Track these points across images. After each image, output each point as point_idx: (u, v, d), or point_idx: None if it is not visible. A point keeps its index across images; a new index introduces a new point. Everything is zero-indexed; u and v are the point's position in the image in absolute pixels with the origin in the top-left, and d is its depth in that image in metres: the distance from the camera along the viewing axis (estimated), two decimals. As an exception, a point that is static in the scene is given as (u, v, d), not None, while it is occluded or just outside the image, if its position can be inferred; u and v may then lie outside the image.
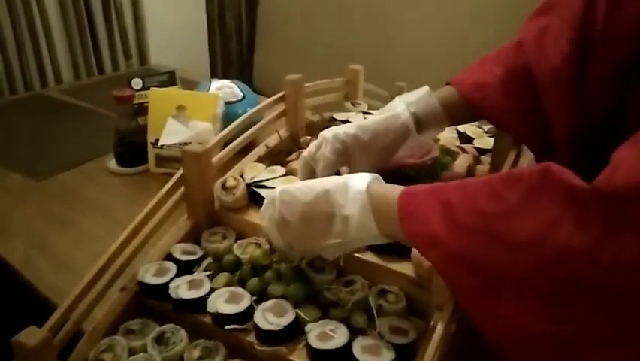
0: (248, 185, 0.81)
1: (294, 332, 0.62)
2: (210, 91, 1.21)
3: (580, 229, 0.42)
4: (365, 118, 1.02)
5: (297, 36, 2.01)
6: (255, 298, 0.66)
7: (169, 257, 0.73)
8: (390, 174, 0.65)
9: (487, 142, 0.98)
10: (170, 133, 1.06)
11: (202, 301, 0.65)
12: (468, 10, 1.60)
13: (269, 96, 1.02)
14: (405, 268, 0.67)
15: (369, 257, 0.69)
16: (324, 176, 0.73)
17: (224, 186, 0.79)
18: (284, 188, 0.63)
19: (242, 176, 0.84)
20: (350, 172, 0.76)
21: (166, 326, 0.65)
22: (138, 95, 1.16)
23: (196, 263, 0.73)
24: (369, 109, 1.15)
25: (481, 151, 0.97)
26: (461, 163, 0.89)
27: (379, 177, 0.61)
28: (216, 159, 0.82)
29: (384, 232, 0.57)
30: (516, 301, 0.46)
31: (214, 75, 2.32)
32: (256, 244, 0.74)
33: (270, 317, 0.62)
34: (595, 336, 0.43)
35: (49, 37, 1.79)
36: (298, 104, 1.03)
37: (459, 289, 0.51)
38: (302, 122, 1.05)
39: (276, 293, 0.66)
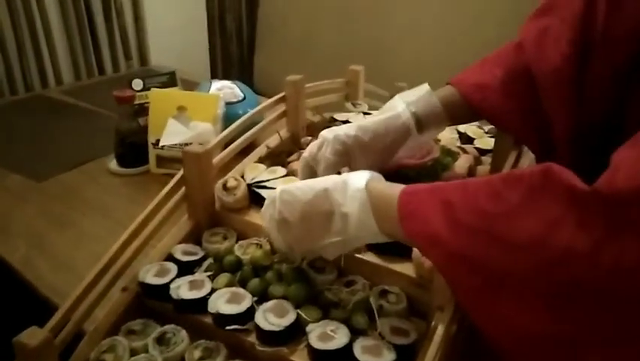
0: (249, 185, 0.81)
1: (294, 333, 0.62)
2: (211, 92, 1.21)
3: (581, 231, 0.42)
4: (365, 118, 1.02)
5: (297, 37, 2.01)
6: (255, 298, 0.66)
7: (170, 258, 0.73)
8: (391, 175, 0.65)
9: (488, 142, 0.98)
10: (171, 134, 1.06)
11: (203, 301, 0.65)
12: (468, 11, 1.61)
13: (269, 97, 1.02)
14: (406, 268, 0.67)
15: (370, 258, 0.69)
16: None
17: (225, 187, 0.80)
18: (284, 188, 0.64)
19: (243, 176, 0.84)
20: (351, 172, 0.76)
21: (167, 327, 0.65)
22: (139, 96, 1.17)
23: (197, 264, 0.73)
24: (369, 109, 1.15)
25: (482, 152, 0.97)
26: (462, 164, 0.89)
27: (379, 175, 0.61)
28: (217, 159, 0.82)
29: (384, 231, 0.57)
30: (516, 301, 0.46)
31: (214, 76, 2.32)
32: (257, 244, 0.75)
33: (271, 317, 0.62)
34: (595, 336, 0.43)
35: (49, 37, 1.79)
36: (299, 104, 1.03)
37: (459, 288, 0.52)
38: (302, 123, 1.05)
39: (277, 294, 0.66)
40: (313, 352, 0.59)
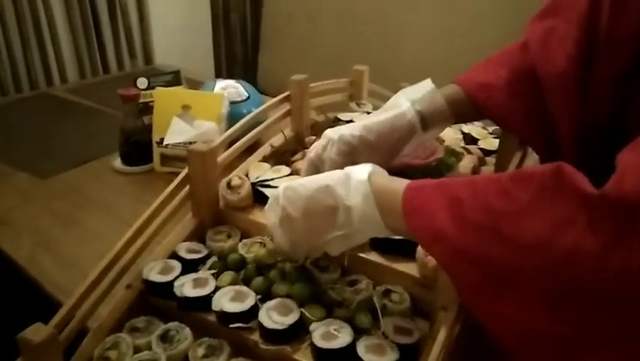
0: (253, 184, 0.81)
1: (298, 331, 0.62)
2: (215, 91, 1.21)
3: (589, 234, 0.42)
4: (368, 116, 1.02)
5: (301, 37, 2.02)
6: (259, 297, 0.66)
7: (174, 255, 0.73)
8: (395, 175, 0.65)
9: (492, 143, 0.98)
10: (175, 132, 1.06)
11: (207, 299, 0.65)
12: (472, 11, 1.61)
13: (273, 96, 1.03)
14: (409, 268, 0.67)
15: (374, 257, 0.69)
16: None
17: (229, 186, 0.80)
18: (288, 185, 0.64)
19: (247, 175, 0.84)
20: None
21: (171, 324, 0.65)
22: (143, 95, 1.17)
23: (201, 262, 0.73)
24: (373, 110, 1.15)
25: (486, 152, 0.97)
26: (466, 164, 0.89)
27: (383, 169, 0.61)
28: (221, 158, 0.82)
29: (388, 225, 0.57)
30: (518, 299, 0.46)
31: (218, 75, 2.33)
32: (261, 243, 0.75)
33: (275, 315, 0.62)
34: (592, 338, 0.44)
35: (54, 36, 1.80)
36: (303, 104, 1.03)
37: (463, 285, 0.52)
38: (307, 123, 1.05)
39: (281, 292, 0.66)
40: (316, 351, 0.59)
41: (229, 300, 0.65)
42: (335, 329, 0.60)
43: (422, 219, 0.53)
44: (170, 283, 0.68)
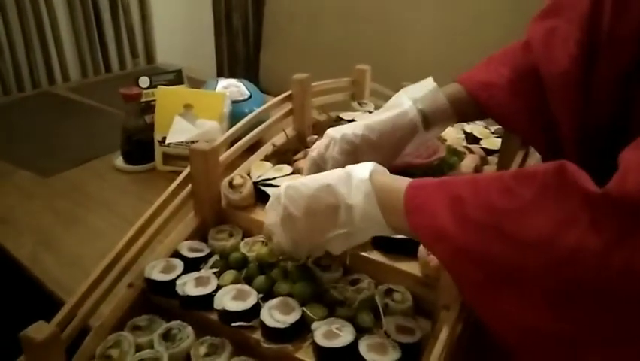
0: (255, 183, 0.81)
1: (300, 330, 0.62)
2: (217, 90, 1.21)
3: (592, 232, 0.42)
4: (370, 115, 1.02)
5: (303, 36, 2.02)
6: (261, 295, 0.66)
7: (176, 254, 0.73)
8: (398, 175, 0.65)
9: (494, 143, 0.98)
10: (177, 131, 1.06)
11: (209, 298, 0.65)
12: (474, 10, 1.60)
13: (275, 95, 1.03)
14: (411, 267, 0.67)
15: (376, 256, 0.69)
16: None
17: (231, 184, 0.80)
18: (289, 184, 0.64)
19: (249, 174, 0.84)
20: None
21: (173, 323, 0.65)
22: (145, 94, 1.17)
23: (203, 260, 0.73)
24: (375, 109, 1.15)
25: (488, 152, 0.97)
26: (468, 163, 0.89)
27: (384, 168, 0.61)
28: (223, 157, 0.82)
29: (390, 224, 0.57)
30: (521, 298, 0.46)
31: (220, 74, 2.33)
32: (263, 242, 0.75)
33: (277, 314, 0.62)
34: (595, 336, 0.44)
35: (56, 35, 1.80)
36: (305, 103, 1.03)
37: (464, 284, 0.52)
38: (309, 122, 1.05)
39: (283, 291, 0.66)
40: (318, 350, 0.59)
41: (231, 299, 0.65)
42: (337, 328, 0.60)
43: (424, 218, 0.53)
44: (172, 282, 0.68)
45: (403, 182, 0.56)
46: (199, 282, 0.68)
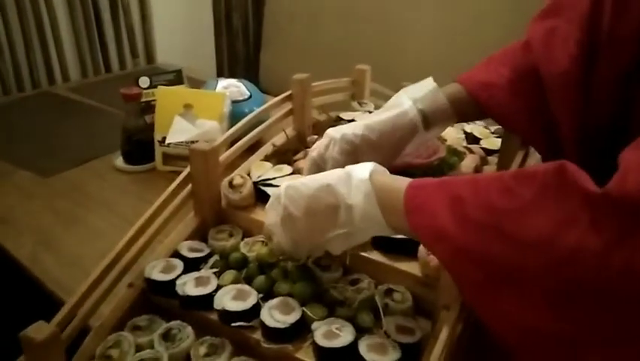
0: (255, 183, 0.81)
1: (300, 330, 0.62)
2: (217, 90, 1.21)
3: (592, 232, 0.42)
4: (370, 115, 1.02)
5: (303, 36, 2.02)
6: (261, 295, 0.66)
7: (176, 254, 0.73)
8: (397, 175, 0.65)
9: (494, 143, 0.98)
10: (177, 131, 1.06)
11: (209, 298, 0.65)
12: (474, 10, 1.60)
13: (275, 95, 1.03)
14: (411, 267, 0.67)
15: (376, 256, 0.69)
16: None
17: (231, 184, 0.80)
18: (289, 184, 0.64)
19: (249, 174, 0.84)
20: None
21: (173, 323, 0.65)
22: (145, 94, 1.17)
23: (203, 260, 0.73)
24: (375, 109, 1.15)
25: (488, 152, 0.97)
26: (468, 163, 0.89)
27: (384, 168, 0.61)
28: (223, 157, 0.82)
29: (390, 224, 0.57)
30: (521, 298, 0.46)
31: (220, 74, 2.33)
32: (263, 242, 0.75)
33: (277, 314, 0.62)
34: (595, 336, 0.44)
35: (56, 35, 1.80)
36: (305, 103, 1.03)
37: (464, 284, 0.52)
38: (309, 122, 1.05)
39: (283, 291, 0.66)
40: (318, 350, 0.59)
41: (231, 299, 0.65)
42: (337, 328, 0.60)
43: (424, 218, 0.53)
44: (172, 282, 0.68)
45: (403, 182, 0.56)
46: (199, 282, 0.68)
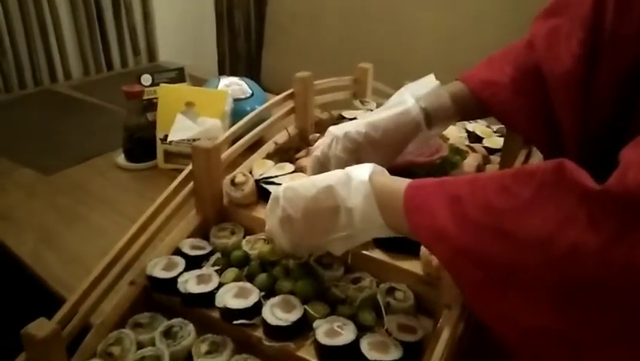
0: (257, 181, 0.81)
1: (301, 328, 0.62)
2: (219, 88, 1.21)
3: (592, 229, 0.41)
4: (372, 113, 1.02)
5: (305, 34, 2.01)
6: (263, 293, 0.66)
7: (178, 252, 0.73)
8: (400, 174, 0.65)
9: (497, 142, 0.98)
10: (179, 129, 1.06)
11: (210, 295, 0.65)
12: (474, 9, 1.60)
13: (277, 94, 1.02)
14: (413, 266, 0.67)
15: (378, 255, 0.69)
16: None
17: (233, 182, 0.80)
18: (287, 185, 0.63)
19: (251, 172, 0.84)
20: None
21: (174, 320, 0.65)
22: (147, 91, 1.17)
23: (205, 258, 0.73)
24: (377, 107, 1.14)
25: (490, 150, 0.97)
26: (470, 162, 0.89)
27: (382, 168, 0.61)
28: (225, 155, 0.82)
29: (390, 225, 0.57)
30: (522, 297, 0.46)
31: (222, 72, 2.32)
32: (264, 240, 0.75)
33: (278, 312, 0.62)
34: (597, 335, 0.43)
35: (58, 33, 1.80)
36: (307, 101, 1.03)
37: (464, 284, 0.51)
38: (311, 120, 1.05)
39: (285, 289, 0.66)
40: (320, 348, 0.59)
41: (233, 296, 0.65)
42: (338, 326, 0.60)
43: (423, 218, 0.53)
44: (174, 280, 0.68)
45: (402, 183, 0.56)
46: (201, 280, 0.67)
